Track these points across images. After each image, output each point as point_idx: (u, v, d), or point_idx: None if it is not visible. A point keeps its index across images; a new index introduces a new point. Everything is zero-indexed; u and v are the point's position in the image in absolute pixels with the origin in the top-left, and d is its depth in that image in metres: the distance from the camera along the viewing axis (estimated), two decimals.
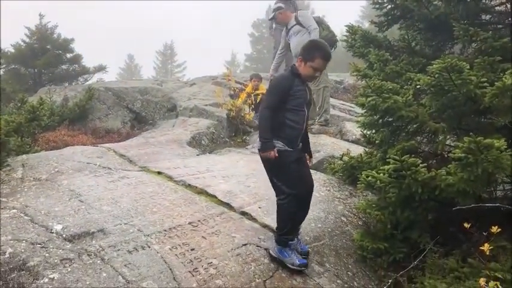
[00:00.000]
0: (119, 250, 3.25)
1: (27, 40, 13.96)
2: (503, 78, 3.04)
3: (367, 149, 4.91)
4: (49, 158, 5.45)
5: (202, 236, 3.59)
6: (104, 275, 2.93)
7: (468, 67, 3.31)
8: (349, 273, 3.58)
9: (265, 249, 3.53)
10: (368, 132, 4.39)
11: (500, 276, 2.73)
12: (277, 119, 3.30)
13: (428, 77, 3.49)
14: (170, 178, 4.96)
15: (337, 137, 7.60)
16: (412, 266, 3.37)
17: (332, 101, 9.50)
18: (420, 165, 3.29)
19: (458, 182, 3.08)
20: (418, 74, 3.81)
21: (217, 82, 12.01)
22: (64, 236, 3.38)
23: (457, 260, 3.22)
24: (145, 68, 57.11)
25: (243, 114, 8.38)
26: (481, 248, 2.64)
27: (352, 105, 10.55)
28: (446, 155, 3.83)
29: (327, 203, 4.58)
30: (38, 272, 2.86)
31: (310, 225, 4.02)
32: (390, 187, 3.45)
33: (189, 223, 3.79)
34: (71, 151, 5.96)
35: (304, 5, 35.36)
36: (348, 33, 4.78)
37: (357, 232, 3.98)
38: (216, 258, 3.31)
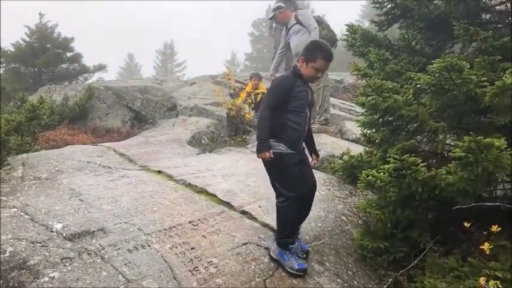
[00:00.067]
0: (119, 249, 3.25)
1: (27, 39, 13.97)
2: (504, 78, 3.04)
3: (367, 148, 4.91)
4: (49, 157, 5.45)
5: (203, 235, 3.59)
6: (104, 274, 2.93)
7: (468, 66, 3.31)
8: (349, 272, 3.58)
9: (266, 248, 3.53)
10: (368, 132, 4.39)
11: (500, 275, 2.73)
12: (278, 120, 3.27)
13: (429, 76, 3.49)
14: (170, 177, 4.97)
15: (337, 136, 7.60)
16: (412, 265, 3.37)
17: (332, 100, 9.51)
18: (420, 164, 3.29)
19: (459, 181, 3.08)
20: (418, 73, 3.81)
21: (217, 81, 12.02)
22: (64, 235, 3.38)
23: (457, 259, 3.22)
24: (145, 67, 57.17)
25: (243, 114, 8.38)
26: (481, 247, 2.65)
27: (352, 104, 10.55)
28: (446, 154, 3.83)
29: (327, 202, 4.58)
30: (38, 271, 2.86)
31: (310, 224, 4.02)
32: (390, 186, 3.45)
33: (189, 222, 3.79)
34: (71, 150, 5.97)
35: (304, 4, 35.37)
36: (348, 33, 4.78)
37: (357, 231, 3.98)
38: (216, 257, 3.31)
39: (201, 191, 4.57)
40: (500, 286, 2.38)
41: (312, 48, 3.40)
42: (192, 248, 3.37)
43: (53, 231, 3.42)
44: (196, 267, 3.15)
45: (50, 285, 2.74)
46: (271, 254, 3.43)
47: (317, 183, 3.61)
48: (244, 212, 4.13)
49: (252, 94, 9.13)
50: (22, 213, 3.72)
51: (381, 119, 3.94)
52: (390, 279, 3.37)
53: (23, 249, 3.08)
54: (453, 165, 3.14)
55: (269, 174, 3.45)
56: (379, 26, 4.69)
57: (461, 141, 2.98)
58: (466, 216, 3.20)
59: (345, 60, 8.44)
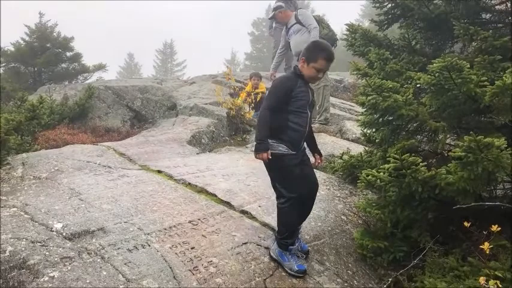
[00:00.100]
0: (119, 249, 3.25)
1: (27, 39, 13.95)
2: (504, 77, 3.04)
3: (367, 148, 4.92)
4: (49, 157, 5.45)
5: (203, 235, 3.59)
6: (104, 273, 2.93)
7: (468, 66, 3.31)
8: (349, 271, 3.58)
9: (266, 248, 3.53)
10: (368, 131, 4.39)
11: (500, 275, 2.73)
12: (279, 121, 3.25)
13: (429, 76, 3.49)
14: (170, 177, 4.97)
15: (337, 136, 7.61)
16: (412, 264, 3.36)
17: (332, 99, 9.51)
18: (420, 164, 3.29)
19: (458, 181, 3.08)
20: (418, 73, 3.81)
21: (217, 81, 12.02)
22: (64, 234, 3.38)
23: (457, 259, 3.22)
24: (145, 66, 57.09)
25: (243, 113, 8.38)
26: (481, 246, 2.65)
27: (352, 104, 10.56)
28: (446, 154, 3.83)
29: (327, 202, 4.58)
30: (38, 271, 2.86)
31: (310, 224, 4.03)
32: (390, 186, 3.45)
33: (189, 222, 3.79)
34: (71, 150, 5.97)
35: (304, 4, 35.35)
36: (348, 32, 4.78)
37: (357, 231, 3.98)
38: (216, 256, 3.31)
39: (201, 190, 4.57)
40: (500, 286, 2.38)
41: (313, 49, 3.37)
42: (192, 248, 3.37)
43: (53, 231, 3.41)
44: (196, 266, 3.15)
45: (50, 285, 2.74)
46: (271, 253, 3.43)
47: None
48: (244, 212, 4.13)
49: (252, 94, 9.13)
50: (22, 213, 3.72)
51: (380, 119, 3.94)
52: (390, 279, 3.37)
53: (23, 248, 3.08)
54: (453, 165, 3.14)
55: (270, 175, 3.44)
56: (379, 25, 4.70)
57: (461, 141, 2.98)
58: (466, 215, 3.20)
59: (345, 60, 8.45)
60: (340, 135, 7.67)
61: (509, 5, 4.13)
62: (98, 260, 3.07)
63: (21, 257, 2.97)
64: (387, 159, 3.55)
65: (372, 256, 3.70)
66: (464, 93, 3.33)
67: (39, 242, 3.20)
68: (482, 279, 2.43)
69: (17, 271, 2.85)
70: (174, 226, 3.68)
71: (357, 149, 5.62)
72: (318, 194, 3.57)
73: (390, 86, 3.69)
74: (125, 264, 3.06)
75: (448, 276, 3.07)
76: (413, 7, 4.32)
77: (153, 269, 3.04)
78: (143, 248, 3.30)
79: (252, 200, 4.39)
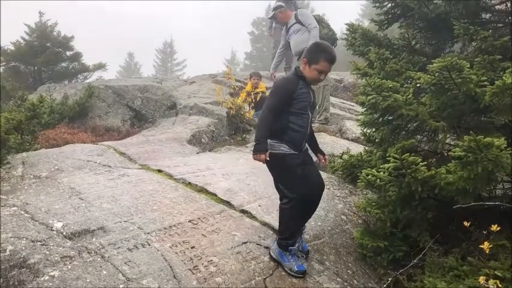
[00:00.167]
0: (119, 248, 3.25)
1: (27, 38, 13.95)
2: (503, 77, 3.04)
3: (367, 148, 4.92)
4: (49, 156, 5.46)
5: (203, 234, 3.59)
6: (104, 272, 2.94)
7: (468, 66, 3.31)
8: (349, 271, 3.58)
9: (266, 247, 3.54)
10: (368, 131, 4.39)
11: (500, 274, 2.74)
12: (280, 122, 3.24)
13: (429, 76, 3.49)
14: (170, 176, 4.97)
15: (337, 136, 7.61)
16: (411, 264, 3.37)
17: (332, 99, 9.52)
18: (420, 163, 3.29)
19: (458, 181, 3.08)
20: (418, 73, 3.81)
21: (217, 80, 12.03)
22: (64, 233, 3.38)
23: (457, 259, 3.22)
24: (145, 66, 57.01)
25: (242, 113, 8.38)
26: (480, 246, 2.65)
27: (352, 103, 10.58)
28: (446, 154, 3.83)
29: (327, 202, 4.58)
30: (39, 270, 2.86)
31: (310, 224, 4.02)
32: (390, 185, 3.45)
33: (189, 221, 3.79)
34: (71, 149, 5.97)
35: (304, 3, 35.35)
36: (348, 32, 4.78)
37: (357, 230, 3.98)
38: (216, 256, 3.31)
39: (201, 190, 4.58)
40: (500, 285, 2.38)
41: (314, 50, 3.35)
42: (192, 247, 3.38)
43: (53, 230, 3.42)
44: (196, 266, 3.15)
45: (50, 284, 2.74)
46: (271, 253, 3.43)
47: None
48: (244, 211, 4.13)
49: (252, 93, 9.13)
50: (22, 212, 3.72)
51: (380, 118, 3.94)
52: (390, 279, 3.38)
53: (23, 247, 3.08)
54: (453, 165, 3.15)
55: (272, 176, 3.42)
56: (379, 25, 4.70)
57: (461, 141, 2.98)
58: (466, 215, 3.20)
59: (345, 60, 8.44)
60: (340, 134, 7.67)
61: (509, 4, 4.13)
62: (98, 259, 3.07)
63: (22, 256, 2.98)
64: (387, 158, 3.55)
65: (371, 255, 3.70)
66: (464, 93, 3.33)
67: (40, 241, 3.20)
68: (482, 279, 2.43)
69: (17, 270, 2.85)
70: (174, 225, 3.68)
71: (357, 149, 5.62)
72: None
73: (390, 85, 3.69)
74: (125, 263, 3.07)
75: (448, 276, 3.07)
76: (413, 7, 4.32)
77: (153, 268, 3.05)
78: (143, 247, 3.30)
79: (252, 200, 4.40)
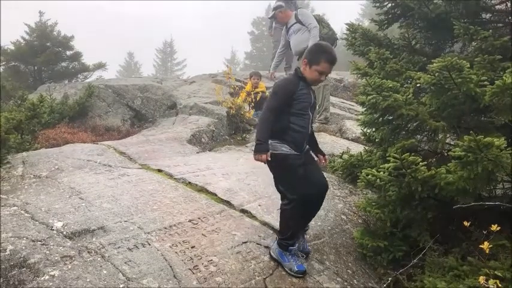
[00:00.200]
0: (119, 247, 3.25)
1: (27, 37, 13.96)
2: (503, 77, 3.04)
3: (367, 147, 4.92)
4: (49, 156, 5.46)
5: (203, 234, 3.60)
6: (105, 272, 2.94)
7: (468, 66, 3.31)
8: (348, 271, 3.59)
9: (266, 247, 3.54)
10: (368, 131, 4.39)
11: (499, 274, 2.74)
12: (280, 123, 3.23)
13: (429, 76, 3.49)
14: (170, 176, 4.97)
15: (337, 135, 7.61)
16: (411, 264, 3.37)
17: (332, 99, 9.52)
18: (420, 163, 3.29)
19: (458, 181, 3.08)
20: (418, 73, 3.81)
21: (217, 80, 12.03)
22: (64, 233, 3.39)
23: (457, 258, 3.23)
24: (145, 65, 56.97)
25: (242, 112, 8.38)
26: (480, 246, 2.65)
27: (352, 103, 10.57)
28: (446, 154, 3.83)
29: (327, 201, 4.56)
30: (39, 269, 2.86)
31: (310, 223, 4.02)
32: (390, 185, 3.45)
33: (189, 221, 3.79)
34: (71, 148, 5.97)
35: (304, 3, 35.34)
36: (348, 32, 4.78)
37: (357, 230, 3.98)
38: (216, 255, 3.31)
39: (201, 189, 4.58)
40: (500, 285, 2.38)
41: (315, 51, 3.34)
42: (192, 247, 3.38)
43: (53, 230, 3.42)
44: (196, 265, 3.16)
45: (50, 284, 2.75)
46: (271, 253, 3.43)
47: None
48: (244, 211, 4.14)
49: (252, 93, 9.13)
50: (22, 212, 3.72)
51: (380, 118, 3.94)
52: (390, 278, 3.38)
53: (23, 247, 3.09)
54: (453, 165, 3.15)
55: (273, 176, 3.41)
56: (379, 25, 4.69)
57: (461, 141, 2.98)
58: (466, 215, 3.20)
59: (345, 59, 8.45)
60: (340, 134, 7.67)
61: (509, 4, 4.13)
62: (98, 259, 3.08)
63: (22, 256, 2.98)
64: (387, 158, 3.55)
65: (371, 255, 3.70)
66: (464, 92, 3.33)
67: (40, 241, 3.20)
68: (481, 279, 2.44)
69: (17, 270, 2.85)
70: (174, 225, 3.69)
71: (357, 149, 5.62)
72: None
73: (390, 85, 3.69)
74: (125, 263, 3.07)
75: (448, 276, 3.07)
76: (413, 7, 4.32)
77: (153, 268, 3.05)
78: (143, 247, 3.30)
79: (252, 199, 4.40)
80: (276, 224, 3.80)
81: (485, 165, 2.88)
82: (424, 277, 3.18)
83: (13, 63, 13.74)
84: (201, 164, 5.61)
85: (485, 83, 3.24)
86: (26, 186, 4.40)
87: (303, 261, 3.41)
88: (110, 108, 9.90)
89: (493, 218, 3.06)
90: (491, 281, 2.39)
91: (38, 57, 13.27)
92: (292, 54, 8.68)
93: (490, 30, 3.85)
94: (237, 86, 10.01)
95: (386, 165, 3.47)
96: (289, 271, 3.27)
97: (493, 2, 4.26)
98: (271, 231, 3.79)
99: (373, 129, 4.23)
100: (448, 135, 3.79)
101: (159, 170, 5.17)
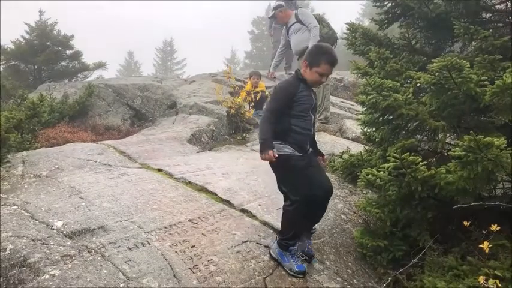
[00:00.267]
0: (119, 247, 3.26)
1: (27, 37, 13.95)
2: (504, 77, 3.04)
3: (367, 147, 4.92)
4: (49, 155, 5.46)
5: (203, 233, 3.60)
6: (105, 271, 2.94)
7: (468, 65, 3.31)
8: (348, 270, 3.59)
9: (266, 246, 3.54)
10: (368, 130, 4.39)
11: (499, 274, 2.74)
12: (282, 124, 3.22)
13: (429, 75, 3.49)
14: (170, 175, 4.97)
15: (337, 135, 7.61)
16: (411, 263, 3.37)
17: (332, 98, 9.52)
18: (420, 163, 3.29)
19: (458, 180, 3.08)
20: (418, 72, 3.81)
21: (217, 79, 12.02)
22: (64, 232, 3.39)
23: (457, 258, 3.23)
24: (145, 65, 56.99)
25: (242, 112, 8.38)
26: (480, 246, 2.65)
27: (352, 103, 10.57)
28: (446, 153, 3.83)
29: None
30: (39, 269, 2.86)
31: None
32: (390, 185, 3.45)
33: (189, 220, 3.80)
34: (71, 148, 5.97)
35: (304, 3, 35.32)
36: (348, 31, 4.78)
37: (357, 230, 3.99)
38: (216, 255, 3.32)
39: (201, 189, 4.58)
40: (500, 285, 2.39)
41: (315, 53, 3.32)
42: (192, 246, 3.38)
43: (54, 229, 3.42)
44: (196, 265, 3.16)
45: (50, 283, 2.75)
46: (271, 253, 3.43)
47: None
48: (244, 211, 4.14)
49: (252, 92, 9.12)
50: (22, 211, 3.72)
51: (380, 118, 3.94)
52: (390, 278, 3.38)
53: (23, 246, 3.09)
54: (453, 164, 3.15)
55: (276, 177, 3.40)
56: (379, 24, 4.69)
57: (461, 140, 2.98)
58: (466, 215, 3.20)
59: (345, 59, 8.45)
60: (340, 134, 7.67)
61: (509, 4, 4.13)
62: (98, 258, 3.08)
63: (22, 255, 2.98)
64: (387, 158, 3.55)
65: (371, 255, 3.70)
66: (464, 92, 3.33)
67: (40, 240, 3.20)
68: (481, 279, 2.44)
69: (17, 269, 2.85)
70: (174, 224, 3.69)
71: (357, 148, 5.63)
72: None
73: (390, 85, 3.69)
74: (125, 262, 3.07)
75: (448, 276, 3.08)
76: (413, 6, 4.32)
77: (153, 267, 3.05)
78: (143, 246, 3.30)
79: (252, 199, 4.40)
80: (276, 224, 3.80)
81: (485, 165, 2.89)
82: (424, 277, 3.18)
83: (13, 63, 13.74)
84: (201, 163, 5.61)
85: (486, 82, 3.24)
86: (26, 186, 4.40)
87: (303, 262, 3.40)
88: (110, 108, 9.90)
89: (493, 217, 3.06)
90: (491, 281, 2.39)
91: (38, 56, 13.27)
92: (292, 54, 8.68)
93: (490, 30, 3.86)
94: (237, 85, 10.00)
95: (387, 164, 3.47)
96: (289, 271, 3.27)
97: (493, 1, 4.26)
98: (271, 231, 3.79)
99: (373, 129, 4.23)
100: (448, 135, 3.80)
101: (159, 170, 5.18)
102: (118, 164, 5.36)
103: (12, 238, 3.19)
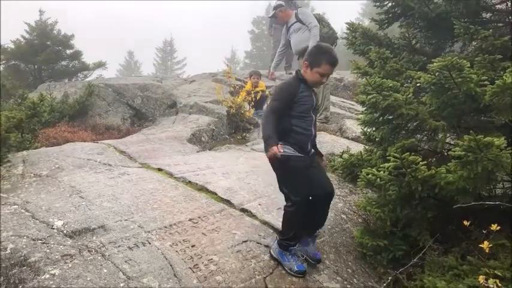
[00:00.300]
0: (119, 246, 3.26)
1: (27, 36, 13.96)
2: (504, 77, 3.04)
3: (367, 147, 4.92)
4: (49, 154, 5.46)
5: (203, 233, 3.60)
6: (105, 271, 2.94)
7: (468, 65, 3.32)
8: (348, 270, 3.59)
9: (266, 246, 3.54)
10: (368, 130, 4.39)
11: (499, 274, 2.74)
12: (282, 125, 3.20)
13: (429, 75, 3.49)
14: (170, 175, 4.97)
15: (337, 135, 7.62)
16: (411, 263, 3.37)
17: (332, 98, 9.52)
18: (420, 163, 3.29)
19: (458, 180, 3.08)
20: (418, 72, 3.81)
21: (217, 79, 12.02)
22: (65, 232, 3.39)
23: (457, 258, 3.23)
24: (145, 64, 56.99)
25: (242, 111, 8.38)
26: (480, 245, 2.65)
27: (353, 102, 10.57)
28: (446, 153, 3.83)
29: None
30: (39, 268, 2.87)
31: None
32: (390, 185, 3.45)
33: (190, 220, 3.80)
34: (71, 147, 5.97)
35: (304, 3, 35.32)
36: (348, 31, 4.78)
37: (357, 229, 3.99)
38: (216, 254, 3.32)
39: (201, 188, 4.58)
40: (500, 285, 2.39)
41: (316, 53, 3.31)
42: (193, 246, 3.38)
43: (54, 228, 3.43)
44: (197, 264, 3.16)
45: (50, 282, 2.75)
46: (272, 252, 3.43)
47: None
48: (244, 210, 4.14)
49: (252, 92, 9.12)
50: (23, 210, 3.73)
51: (381, 118, 3.94)
52: (390, 277, 3.38)
53: (23, 246, 3.09)
54: (453, 164, 3.15)
55: (277, 177, 3.38)
56: (379, 24, 4.70)
57: (461, 140, 2.98)
58: (466, 214, 3.21)
59: (345, 59, 8.45)
60: (340, 133, 7.68)
61: (509, 4, 4.14)
62: (99, 258, 3.08)
63: (22, 255, 2.99)
64: (387, 158, 3.55)
65: (371, 254, 3.70)
66: (464, 92, 3.33)
67: (40, 240, 3.21)
68: (481, 278, 2.44)
69: (18, 268, 2.86)
70: (175, 224, 3.69)
71: (357, 148, 5.63)
72: None
73: (390, 85, 3.69)
74: (126, 261, 3.07)
75: (448, 275, 3.08)
76: (413, 6, 4.32)
77: (153, 266, 3.05)
78: (144, 245, 3.31)
79: (252, 198, 4.40)
80: (276, 223, 3.81)
81: (485, 165, 2.89)
82: (424, 276, 3.18)
83: (13, 62, 13.75)
84: (201, 163, 5.61)
85: (486, 82, 3.24)
86: (26, 185, 4.40)
87: (303, 261, 3.40)
88: (110, 107, 9.90)
89: (493, 217, 3.06)
90: (491, 281, 2.40)
91: (38, 56, 13.28)
92: (293, 54, 8.68)
93: (490, 30, 3.86)
94: (237, 85, 10.00)
95: (387, 164, 3.47)
96: (289, 271, 3.27)
97: (493, 1, 4.26)
98: (271, 230, 3.79)
99: (373, 129, 4.23)
100: (448, 134, 3.80)
101: (159, 169, 5.18)
102: (118, 164, 5.36)
103: (12, 237, 3.19)
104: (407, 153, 3.34)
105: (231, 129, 8.39)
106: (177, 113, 9.50)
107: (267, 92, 9.12)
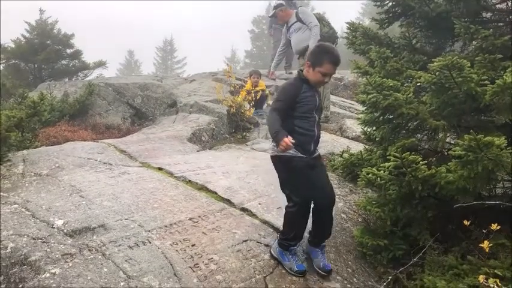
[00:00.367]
0: (119, 245, 3.26)
1: (28, 35, 13.95)
2: (504, 76, 3.04)
3: (367, 146, 4.92)
4: (49, 154, 5.46)
5: (203, 232, 3.60)
6: (105, 270, 2.94)
7: (469, 65, 3.32)
8: (348, 269, 3.59)
9: (266, 245, 3.54)
10: (368, 129, 4.39)
11: (499, 273, 2.75)
12: (285, 126, 3.14)
13: (429, 75, 3.49)
14: (171, 174, 4.97)
15: (337, 134, 7.62)
16: (411, 262, 3.38)
17: (332, 98, 9.53)
18: (420, 162, 3.29)
19: (458, 180, 3.09)
20: (418, 72, 3.81)
21: (217, 78, 12.01)
22: (65, 231, 3.39)
23: (457, 257, 3.24)
24: (145, 64, 56.90)
25: (243, 111, 8.38)
26: (480, 245, 2.65)
27: (353, 102, 10.57)
28: (446, 153, 3.84)
29: None
30: (40, 267, 2.87)
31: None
32: (390, 184, 3.46)
33: (190, 219, 3.80)
34: (72, 146, 5.97)
35: (304, 2, 35.33)
36: (348, 31, 4.78)
37: (357, 229, 3.99)
38: (217, 254, 3.32)
39: (202, 188, 4.58)
40: (500, 284, 2.39)
41: (318, 53, 3.29)
42: (193, 245, 3.39)
43: (54, 228, 3.43)
44: (197, 263, 3.16)
45: (51, 281, 2.75)
46: (272, 252, 3.42)
47: None
48: (244, 209, 4.14)
49: (252, 91, 9.12)
50: (23, 210, 3.73)
51: (381, 117, 3.95)
52: (390, 277, 3.39)
53: (24, 245, 3.09)
54: (453, 164, 3.15)
55: (279, 178, 3.37)
56: (379, 24, 4.70)
57: (462, 140, 2.99)
58: (466, 214, 3.21)
59: (346, 58, 8.45)
60: (340, 133, 7.68)
61: (509, 4, 4.14)
62: (99, 257, 3.08)
63: (23, 254, 2.99)
64: (387, 157, 3.56)
65: (371, 254, 3.71)
66: (464, 92, 3.33)
67: (41, 239, 3.21)
68: (481, 278, 2.44)
69: (18, 267, 2.86)
70: (175, 223, 3.69)
71: (357, 147, 5.63)
72: None
73: (391, 84, 3.70)
74: (126, 261, 3.07)
75: (448, 275, 3.08)
76: (414, 6, 4.32)
77: (153, 265, 3.05)
78: (144, 245, 3.31)
79: (252, 198, 4.40)
80: (276, 223, 3.81)
81: (485, 165, 2.89)
82: (424, 276, 3.19)
83: (13, 61, 13.73)
84: (201, 162, 5.61)
85: (486, 82, 3.25)
86: (26, 184, 4.40)
87: (303, 261, 3.41)
88: (110, 107, 9.89)
89: (493, 217, 3.07)
90: (491, 280, 2.40)
91: (38, 55, 13.26)
92: (293, 53, 8.69)
93: (491, 30, 3.86)
94: (237, 84, 9.99)
95: (387, 164, 3.47)
96: (289, 270, 3.27)
97: (493, 1, 4.27)
98: (272, 230, 3.79)
99: (374, 128, 4.24)
100: (448, 134, 3.80)
101: (160, 168, 5.18)
102: (118, 163, 5.37)
103: (13, 236, 3.19)
104: (408, 152, 3.34)
105: (231, 129, 8.39)
106: (177, 112, 9.50)
107: (267, 92, 9.11)
